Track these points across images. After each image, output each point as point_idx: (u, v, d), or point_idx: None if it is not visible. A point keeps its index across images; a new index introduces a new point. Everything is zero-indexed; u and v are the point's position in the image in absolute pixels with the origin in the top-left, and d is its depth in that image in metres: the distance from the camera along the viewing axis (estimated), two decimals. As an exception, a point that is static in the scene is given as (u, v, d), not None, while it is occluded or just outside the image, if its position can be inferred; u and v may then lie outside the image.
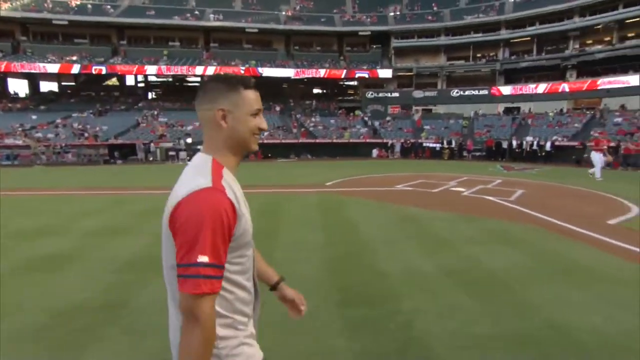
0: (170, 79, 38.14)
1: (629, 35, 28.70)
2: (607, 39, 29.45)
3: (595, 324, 2.95)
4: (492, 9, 34.19)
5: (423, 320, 3.03)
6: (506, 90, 32.16)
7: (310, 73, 34.52)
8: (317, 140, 25.92)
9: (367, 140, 26.20)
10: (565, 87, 29.58)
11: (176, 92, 37.15)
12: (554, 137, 22.29)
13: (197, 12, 34.70)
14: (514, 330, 2.87)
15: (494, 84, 32.77)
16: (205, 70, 32.43)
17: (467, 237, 5.37)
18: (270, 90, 36.39)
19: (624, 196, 8.63)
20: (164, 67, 32.27)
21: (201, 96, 1.09)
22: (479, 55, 34.79)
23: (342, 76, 35.41)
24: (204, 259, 0.92)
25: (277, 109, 33.93)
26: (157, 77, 37.89)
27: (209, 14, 34.63)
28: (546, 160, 20.33)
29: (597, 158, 12.64)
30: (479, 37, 33.85)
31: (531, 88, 30.91)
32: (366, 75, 35.21)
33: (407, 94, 35.16)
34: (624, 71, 27.55)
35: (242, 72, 32.57)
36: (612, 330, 2.87)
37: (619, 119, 24.00)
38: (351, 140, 26.04)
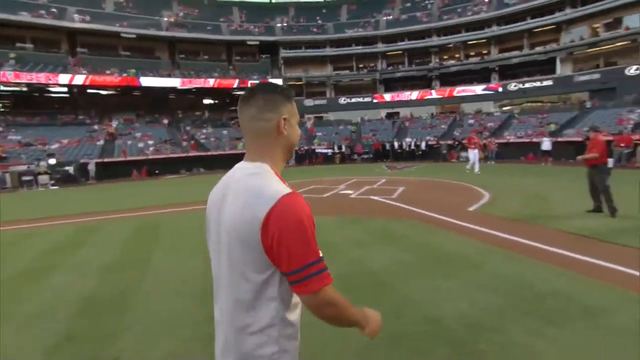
0: (25, 88, 31.77)
1: (471, 53, 34.66)
2: (457, 55, 34.95)
3: (463, 310, 3.11)
4: (369, 24, 37.45)
5: (301, 332, 2.79)
6: (387, 97, 35.54)
7: (198, 83, 32.74)
8: (209, 153, 24.55)
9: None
10: (433, 94, 33.99)
11: (34, 105, 31.04)
12: (427, 137, 25.30)
13: (54, 10, 29.62)
14: (393, 330, 2.83)
15: (376, 92, 35.87)
16: (72, 78, 27.96)
17: (353, 239, 5.44)
18: (155, 101, 33.44)
19: (481, 185, 10.08)
20: (10, 74, 26.16)
21: (261, 106, 1.09)
22: (361, 65, 37.65)
23: (234, 86, 34.48)
24: (318, 255, 1.00)
25: (165, 121, 31.29)
26: (4, 86, 31.15)
27: (72, 14, 30.05)
28: (422, 157, 22.94)
29: (472, 155, 14.50)
30: (359, 49, 36.72)
31: (407, 95, 34.74)
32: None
33: (298, 102, 35.93)
34: (470, 82, 33.03)
35: (119, 80, 29.27)
36: (476, 312, 3.06)
37: (472, 121, 28.52)
38: (243, 151, 25.22)
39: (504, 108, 31.69)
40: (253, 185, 1.03)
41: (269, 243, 0.97)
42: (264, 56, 38.11)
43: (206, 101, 39.46)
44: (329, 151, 24.70)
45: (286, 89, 1.16)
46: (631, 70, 25.50)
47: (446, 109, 34.76)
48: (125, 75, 29.75)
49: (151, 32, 31.92)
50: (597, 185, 6.65)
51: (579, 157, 6.97)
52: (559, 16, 29.64)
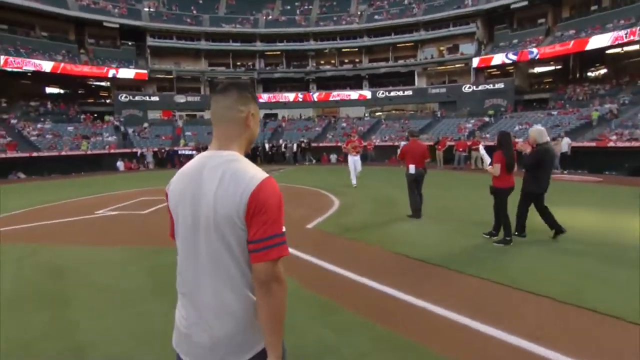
0: None
1: (345, 61, 36.18)
2: (333, 61, 36.03)
3: None
4: (248, 22, 35.72)
5: None
6: (265, 97, 34.38)
7: (27, 65, 25.97)
8: (39, 154, 19.45)
9: (112, 151, 21.75)
10: (310, 96, 34.18)
11: None
12: (301, 139, 24.98)
13: None
14: None
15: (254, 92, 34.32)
16: None
17: (129, 288, 3.84)
18: None
19: (335, 191, 9.56)
20: None
21: (236, 99, 1.20)
22: (238, 63, 35.65)
23: (90, 74, 28.73)
24: (283, 229, 1.12)
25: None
26: None
27: None
28: (295, 160, 22.41)
29: (353, 163, 10.78)
30: (237, 45, 34.69)
31: (285, 97, 34.19)
32: (116, 75, 29.82)
33: (168, 98, 32.09)
34: (344, 88, 34.41)
35: None
36: None
37: (344, 124, 29.51)
38: (90, 152, 20.90)
39: (377, 114, 33.88)
40: (237, 169, 1.12)
41: (249, 215, 1.07)
42: (128, 43, 32.89)
43: (50, 90, 32.12)
44: (195, 153, 22.16)
45: (253, 90, 1.28)
46: (466, 88, 29.83)
47: (327, 112, 35.43)
48: None
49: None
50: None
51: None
52: (415, 36, 32.96)
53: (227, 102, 1.19)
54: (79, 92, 33.45)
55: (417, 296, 3.28)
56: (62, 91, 32.47)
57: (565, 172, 14.60)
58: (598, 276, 3.73)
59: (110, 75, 29.19)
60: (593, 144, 15.38)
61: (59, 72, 27.08)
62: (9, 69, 25.48)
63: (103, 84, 33.25)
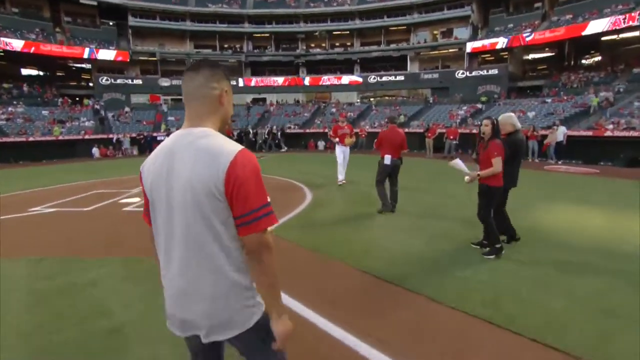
0: None
1: (336, 44, 34.66)
2: (323, 45, 34.49)
3: None
4: (236, 2, 33.87)
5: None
6: (253, 81, 32.92)
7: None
8: (3, 140, 18.03)
9: (87, 137, 20.39)
10: (300, 80, 32.80)
11: None
12: (288, 125, 23.83)
13: None
14: None
15: (241, 75, 32.86)
16: None
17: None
18: None
19: (312, 183, 8.63)
20: None
21: (208, 76, 1.15)
22: (226, 46, 33.98)
23: (70, 54, 27.01)
24: (267, 199, 1.10)
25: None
26: None
27: None
28: (279, 147, 21.30)
29: (341, 153, 8.53)
30: (224, 27, 32.95)
31: (273, 80, 32.76)
32: (95, 56, 28.11)
33: (152, 81, 30.50)
34: (334, 72, 33.04)
35: None
36: None
37: (334, 109, 28.34)
38: (62, 138, 19.50)
39: (371, 100, 32.67)
40: (210, 144, 1.09)
41: (230, 189, 1.05)
42: (109, 22, 30.99)
43: (27, 72, 30.29)
44: (174, 138, 20.88)
45: (226, 68, 1.23)
46: (459, 74, 28.70)
47: (319, 98, 34.08)
48: None
49: None
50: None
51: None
52: (409, 19, 31.54)
53: (200, 79, 1.15)
54: (58, 74, 31.78)
55: (374, 342, 2.37)
56: (40, 73, 30.71)
57: (560, 162, 13.80)
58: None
59: (86, 55, 27.42)
60: (589, 133, 14.54)
61: (31, 51, 25.26)
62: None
63: (84, 66, 31.43)
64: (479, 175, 3.95)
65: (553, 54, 28.75)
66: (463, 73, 28.53)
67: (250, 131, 22.06)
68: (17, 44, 24.38)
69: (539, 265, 3.70)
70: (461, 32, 30.09)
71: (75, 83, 31.62)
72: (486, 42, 27.27)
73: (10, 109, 22.29)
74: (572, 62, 27.70)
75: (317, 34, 33.47)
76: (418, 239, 4.58)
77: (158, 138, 20.76)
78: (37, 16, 28.04)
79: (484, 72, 27.72)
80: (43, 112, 22.81)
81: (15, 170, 14.10)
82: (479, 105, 24.48)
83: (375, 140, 6.31)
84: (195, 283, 1.11)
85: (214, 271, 1.09)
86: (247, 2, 33.89)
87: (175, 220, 1.10)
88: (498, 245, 3.92)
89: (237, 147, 1.10)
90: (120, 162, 16.83)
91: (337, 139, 8.46)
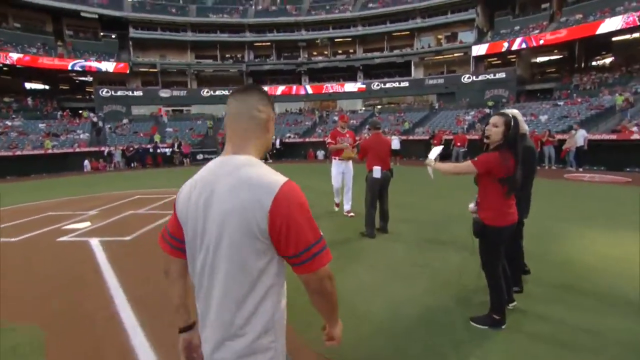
0: None
1: (339, 51, 33.69)
2: (325, 52, 33.53)
3: None
4: (236, 11, 33.27)
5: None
6: (256, 91, 31.94)
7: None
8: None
9: (79, 150, 19.42)
10: (301, 89, 31.82)
11: None
12: (288, 134, 22.73)
13: None
14: None
15: (243, 85, 31.95)
16: None
17: None
18: None
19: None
20: None
21: (258, 100, 1.10)
22: (227, 55, 33.27)
23: (69, 67, 26.53)
24: (320, 233, 1.01)
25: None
26: None
27: None
28: (279, 156, 20.18)
29: (338, 169, 6.22)
30: (225, 37, 32.28)
31: (274, 89, 31.84)
32: (89, 68, 27.59)
33: (152, 93, 29.79)
34: (337, 79, 32.02)
35: None
36: None
37: (336, 117, 27.16)
38: (52, 151, 18.54)
39: (377, 107, 31.44)
40: (253, 175, 1.00)
41: (277, 229, 0.95)
42: (109, 35, 30.57)
43: (30, 85, 29.89)
44: (168, 150, 19.93)
45: (269, 96, 1.16)
46: (465, 78, 27.36)
47: (324, 106, 32.96)
48: None
49: None
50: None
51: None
52: (412, 24, 30.46)
53: (249, 100, 1.09)
54: (62, 87, 31.41)
55: None
56: (45, 87, 30.32)
57: (581, 169, 12.33)
58: None
59: (78, 68, 26.83)
60: (613, 136, 13.02)
61: (18, 64, 24.73)
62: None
63: (86, 79, 31.01)
64: (435, 163, 2.75)
65: (562, 56, 27.28)
66: (469, 77, 27.19)
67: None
68: (13, 57, 23.88)
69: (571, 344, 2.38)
70: (466, 36, 28.85)
71: (80, 97, 31.17)
72: (500, 43, 25.93)
73: (7, 122, 21.64)
74: (583, 64, 26.17)
75: (318, 41, 32.54)
76: (411, 288, 3.27)
77: (150, 150, 19.78)
78: (40, 30, 27.71)
79: (491, 76, 26.33)
80: (40, 125, 22.12)
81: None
82: (487, 110, 23.07)
83: (358, 150, 5.19)
84: (221, 325, 1.01)
85: (242, 312, 1.00)
86: (248, 12, 33.25)
87: (211, 258, 1.00)
88: (498, 317, 2.57)
89: (282, 178, 1.01)
90: (108, 176, 15.77)
91: (333, 145, 5.95)
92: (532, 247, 3.81)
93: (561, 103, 20.58)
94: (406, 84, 30.35)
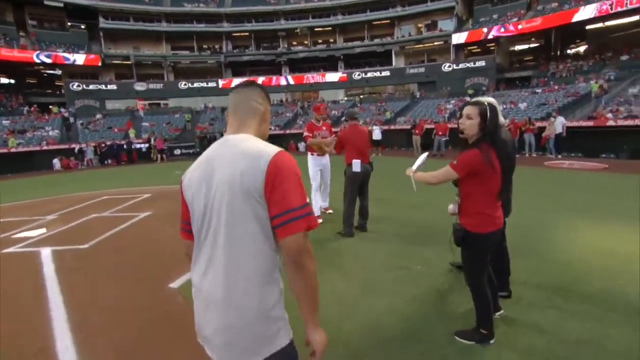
0: None
1: (319, 41, 32.98)
2: (305, 42, 32.77)
3: None
4: (213, 1, 31.99)
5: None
6: (235, 82, 30.96)
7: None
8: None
9: (48, 147, 18.31)
10: (278, 80, 31.05)
11: None
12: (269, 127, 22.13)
13: None
14: None
15: (221, 77, 31.00)
16: None
17: None
18: None
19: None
20: None
21: (257, 93, 1.21)
22: (204, 46, 32.09)
23: (33, 58, 24.94)
24: (306, 199, 1.04)
25: None
26: None
27: None
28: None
29: (315, 166, 5.42)
30: (202, 27, 31.06)
31: (254, 81, 30.83)
32: (67, 59, 26.07)
33: (127, 86, 28.49)
34: (318, 69, 31.40)
35: None
36: None
37: (319, 109, 26.65)
38: (16, 150, 17.38)
39: (360, 97, 30.98)
40: (250, 146, 1.07)
41: (268, 189, 1.01)
42: (77, 25, 28.88)
43: (-3, 80, 27.99)
44: (144, 146, 19.04)
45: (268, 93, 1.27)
46: (446, 67, 27.26)
47: (306, 97, 32.29)
48: None
49: None
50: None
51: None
52: (392, 12, 30.04)
53: (249, 93, 1.20)
54: (29, 81, 29.62)
55: None
56: (11, 81, 28.48)
57: (560, 156, 12.36)
58: None
59: (43, 58, 25.26)
60: (590, 123, 13.11)
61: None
62: None
63: (55, 72, 29.31)
64: (414, 174, 2.44)
65: (539, 44, 27.51)
66: (450, 66, 27.10)
67: (217, 135, 20.11)
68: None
69: None
70: (446, 24, 28.68)
71: (50, 91, 29.49)
72: (474, 32, 25.87)
73: (-32, 119, 20.23)
74: (559, 52, 26.46)
75: (298, 31, 31.72)
76: (390, 297, 2.96)
77: (124, 146, 18.83)
78: (0, 20, 25.86)
79: (471, 64, 26.30)
80: (4, 122, 20.77)
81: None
82: (467, 98, 23.04)
83: (334, 142, 4.78)
84: (229, 291, 1.03)
85: (248, 282, 1.02)
86: (225, 1, 32.03)
87: (214, 225, 1.04)
88: (485, 332, 2.27)
89: (276, 148, 1.07)
90: (78, 175, 14.86)
91: (312, 140, 5.19)
92: (517, 242, 3.58)
93: (539, 90, 20.72)
94: (387, 73, 30.06)
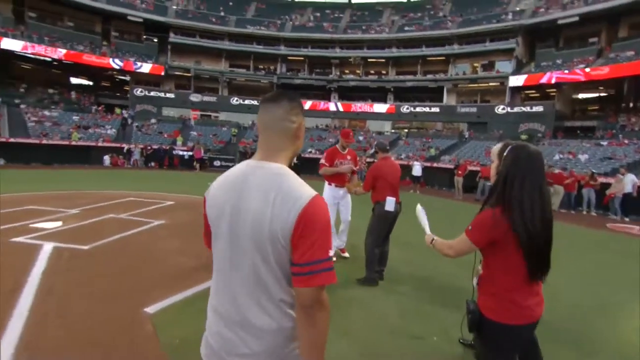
0: None
1: (371, 71, 33.18)
2: (358, 71, 33.11)
3: None
4: (274, 25, 33.69)
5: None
6: (284, 104, 31.79)
7: (49, 52, 24.97)
8: (21, 140, 17.52)
9: (101, 144, 19.54)
10: (327, 105, 31.40)
11: None
12: (309, 150, 22.15)
13: None
14: None
15: (272, 97, 31.99)
16: None
17: None
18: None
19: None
20: None
21: (288, 109, 1.10)
22: (260, 66, 33.56)
23: (110, 65, 27.57)
24: (330, 253, 1.01)
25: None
26: None
27: None
28: (296, 172, 19.52)
29: (331, 199, 4.83)
30: (260, 48, 32.63)
31: (303, 104, 31.48)
32: (136, 67, 28.50)
33: (184, 96, 30.33)
34: (366, 99, 31.43)
35: None
36: None
37: (361, 138, 26.41)
38: (76, 143, 18.80)
39: (404, 130, 30.41)
40: (285, 184, 1.03)
41: (297, 237, 0.98)
42: (151, 38, 31.65)
43: (77, 80, 31.24)
44: (186, 154, 19.73)
45: (300, 102, 1.18)
46: (499, 109, 25.94)
47: (353, 125, 32.27)
48: None
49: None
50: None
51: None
52: (448, 49, 29.57)
53: (279, 111, 1.10)
54: (104, 84, 32.68)
55: None
56: (90, 83, 31.63)
57: (627, 219, 10.76)
58: None
59: (115, 65, 27.77)
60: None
61: (71, 60, 25.90)
62: (27, 54, 24.57)
63: (125, 78, 32.11)
64: (432, 241, 1.87)
65: (608, 93, 25.38)
66: (504, 108, 25.76)
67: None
68: (60, 52, 25.00)
69: None
70: (504, 66, 27.55)
71: (119, 94, 32.27)
72: (534, 75, 24.53)
73: (46, 112, 22.42)
74: (632, 104, 24.14)
75: (351, 59, 32.19)
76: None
77: (173, 152, 19.69)
78: (90, 30, 29.06)
79: (527, 109, 24.79)
80: (74, 117, 22.77)
81: (11, 171, 13.23)
82: (520, 144, 21.53)
83: (365, 177, 4.24)
84: (248, 322, 1.03)
85: (269, 311, 1.03)
86: (285, 26, 33.55)
87: (238, 257, 1.04)
88: None
89: (312, 192, 1.04)
90: (120, 173, 15.60)
91: (326, 168, 4.55)
92: (562, 326, 2.79)
93: (604, 143, 18.83)
94: (437, 109, 29.26)
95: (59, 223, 5.41)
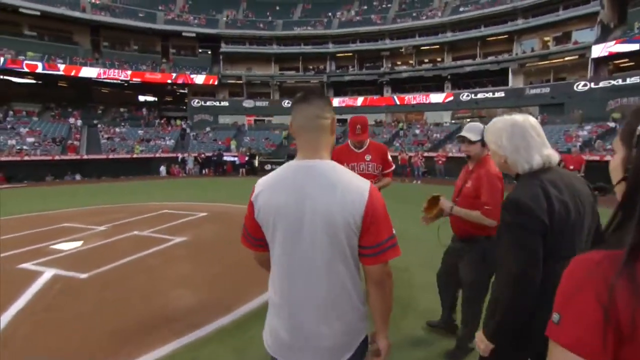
0: None
1: (425, 60, 30.75)
2: (410, 61, 30.93)
3: None
4: (320, 23, 33.05)
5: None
6: (335, 102, 31.02)
7: (121, 76, 27.27)
8: (90, 157, 19.08)
9: (159, 155, 20.52)
10: (379, 100, 29.88)
11: None
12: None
13: None
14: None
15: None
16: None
17: None
18: (80, 93, 28.00)
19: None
20: None
21: (322, 106, 1.16)
22: (309, 67, 33.14)
23: (169, 81, 29.43)
24: (393, 231, 1.13)
25: (72, 118, 25.49)
26: None
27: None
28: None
29: None
30: (309, 48, 32.22)
31: (354, 100, 30.47)
32: (194, 81, 29.96)
33: (237, 103, 31.10)
34: (421, 90, 29.19)
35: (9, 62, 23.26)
36: None
37: (417, 131, 24.48)
38: (137, 156, 19.91)
39: (466, 120, 27.73)
40: (344, 178, 1.10)
41: (367, 223, 1.07)
42: (205, 51, 33.06)
43: (143, 98, 33.98)
44: (236, 159, 19.83)
45: (329, 98, 1.25)
46: (580, 86, 22.08)
47: (410, 118, 30.44)
48: (22, 58, 23.97)
49: (60, 10, 26.01)
50: (462, 277, 2.42)
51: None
52: (511, 26, 26.15)
53: (314, 110, 1.15)
54: (166, 99, 35.04)
55: None
56: (155, 99, 34.20)
57: None
58: None
59: (172, 80, 29.35)
60: None
61: (138, 80, 27.98)
62: (104, 79, 27.19)
63: (184, 91, 34.01)
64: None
65: None
66: (586, 84, 21.88)
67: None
68: (127, 74, 27.19)
69: None
70: (583, 35, 23.46)
71: (182, 107, 34.37)
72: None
73: (116, 129, 24.44)
74: None
75: (402, 50, 30.16)
76: None
77: (224, 159, 20.00)
78: (152, 51, 31.29)
79: (618, 82, 20.70)
80: (139, 132, 24.45)
81: (80, 185, 14.27)
82: (611, 124, 17.98)
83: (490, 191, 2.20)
84: (323, 313, 1.11)
85: (344, 298, 1.12)
86: (332, 24, 32.70)
87: (309, 251, 1.09)
88: None
89: (367, 182, 1.12)
90: (173, 182, 16.00)
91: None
92: None
93: None
94: (502, 94, 26.04)
95: (79, 243, 5.16)
